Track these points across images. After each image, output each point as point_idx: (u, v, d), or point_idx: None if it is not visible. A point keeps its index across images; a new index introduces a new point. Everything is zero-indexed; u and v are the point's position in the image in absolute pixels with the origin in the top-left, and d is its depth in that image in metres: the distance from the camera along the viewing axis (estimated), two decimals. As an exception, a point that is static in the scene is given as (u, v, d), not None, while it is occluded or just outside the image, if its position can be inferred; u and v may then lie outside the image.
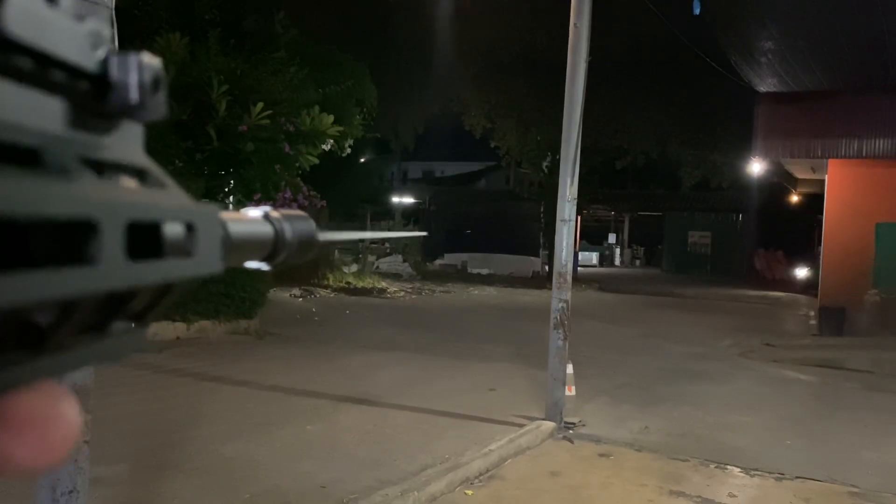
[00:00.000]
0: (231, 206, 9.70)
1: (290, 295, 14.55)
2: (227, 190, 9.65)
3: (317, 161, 10.01)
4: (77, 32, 0.24)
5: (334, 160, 12.36)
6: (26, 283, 0.20)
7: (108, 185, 0.25)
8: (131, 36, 8.34)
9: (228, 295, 9.29)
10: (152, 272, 0.25)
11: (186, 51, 8.66)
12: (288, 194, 10.50)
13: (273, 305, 11.40)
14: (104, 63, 0.25)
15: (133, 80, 0.26)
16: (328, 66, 11.09)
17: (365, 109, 11.83)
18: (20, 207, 0.20)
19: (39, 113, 0.23)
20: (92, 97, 0.25)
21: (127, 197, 0.25)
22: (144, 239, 0.25)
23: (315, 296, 15.07)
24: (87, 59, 0.25)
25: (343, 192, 19.10)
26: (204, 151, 9.03)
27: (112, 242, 0.23)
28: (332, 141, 10.26)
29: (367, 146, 21.10)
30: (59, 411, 0.26)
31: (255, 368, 7.58)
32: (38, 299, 0.21)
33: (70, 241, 0.22)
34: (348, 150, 11.70)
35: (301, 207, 11.58)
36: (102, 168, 0.25)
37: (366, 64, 12.09)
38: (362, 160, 22.37)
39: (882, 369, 9.06)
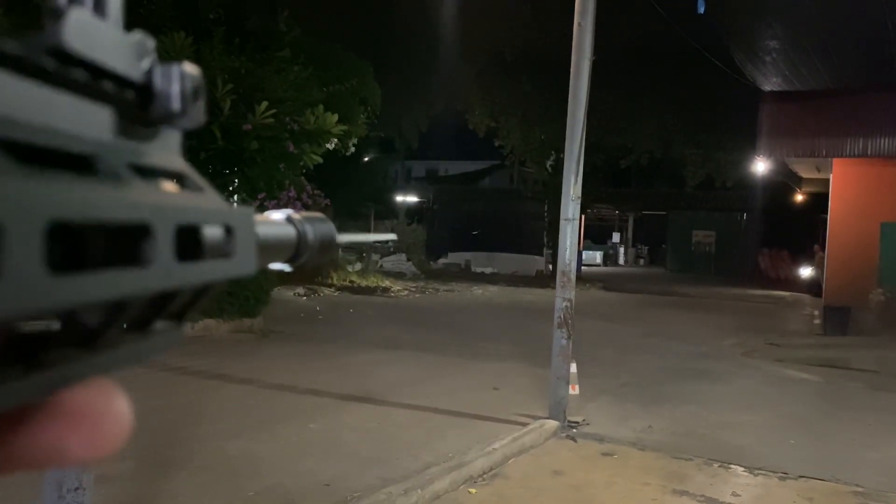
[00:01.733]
0: (235, 204, 9.72)
1: (294, 293, 14.58)
2: (231, 189, 9.67)
3: (321, 160, 10.02)
4: (125, 44, 0.26)
5: (338, 159, 12.37)
6: (86, 284, 0.21)
7: (157, 190, 0.26)
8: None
9: (233, 293, 9.31)
10: (196, 273, 0.26)
11: (191, 50, 8.67)
12: (292, 193, 10.53)
13: (277, 304, 11.42)
14: (149, 73, 0.27)
15: (176, 89, 0.27)
16: (332, 65, 11.11)
17: (369, 108, 11.83)
18: (84, 213, 0.21)
19: (92, 122, 0.24)
20: (137, 106, 0.27)
21: (175, 201, 0.26)
22: (188, 241, 0.26)
23: (319, 294, 15.09)
24: (134, 70, 0.26)
25: (347, 191, 19.12)
26: (208, 150, 9.04)
27: (164, 245, 0.24)
28: (335, 140, 10.27)
29: (370, 145, 21.12)
30: (111, 406, 0.27)
31: (259, 366, 7.59)
32: (97, 299, 0.22)
33: (125, 243, 0.23)
34: (352, 149, 11.72)
35: (305, 206, 11.61)
36: (146, 173, 0.26)
37: (369, 62, 12.10)
38: (366, 159, 22.38)
39: (887, 369, 9.04)
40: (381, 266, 21.47)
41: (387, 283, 18.09)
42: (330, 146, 10.33)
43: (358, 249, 22.08)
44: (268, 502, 4.06)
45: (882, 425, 6.57)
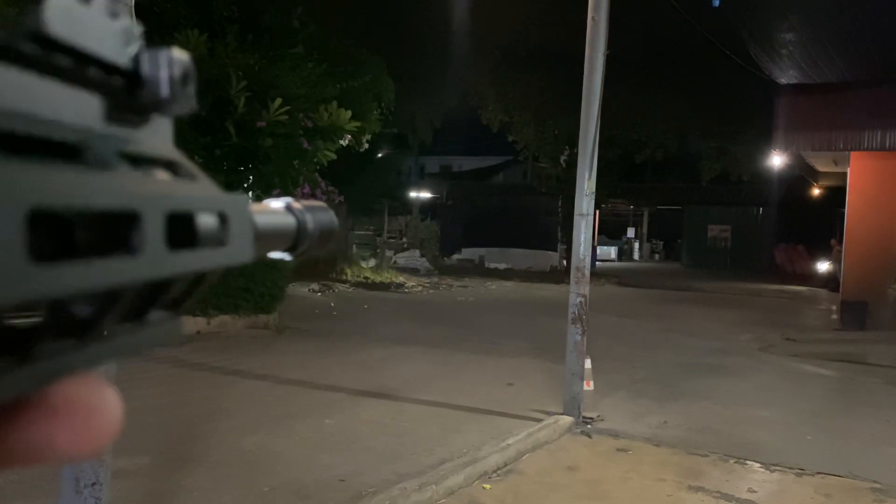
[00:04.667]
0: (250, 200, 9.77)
1: (309, 290, 14.63)
2: (245, 185, 9.71)
3: (335, 156, 10.05)
4: (111, 29, 0.25)
5: (352, 155, 12.40)
6: (74, 274, 0.21)
7: (146, 178, 0.26)
8: (150, 33, 8.37)
9: (248, 290, 9.36)
10: (189, 261, 0.26)
11: (205, 47, 8.72)
12: (306, 189, 10.55)
13: (292, 300, 11.47)
14: (136, 59, 0.26)
15: (164, 75, 0.27)
16: (346, 62, 11.12)
17: (382, 104, 11.84)
18: (68, 200, 0.21)
19: (79, 109, 0.24)
20: (125, 92, 0.26)
21: (165, 188, 0.26)
22: (181, 229, 0.25)
23: (333, 290, 15.13)
24: (121, 56, 0.26)
25: (361, 187, 19.15)
26: (223, 147, 9.09)
27: (153, 233, 0.24)
28: (349, 136, 10.29)
29: (384, 141, 21.13)
30: (100, 400, 0.26)
31: (274, 362, 7.63)
32: (86, 289, 0.21)
33: (113, 232, 0.23)
34: (366, 145, 11.74)
35: (319, 202, 11.64)
36: (136, 161, 0.26)
37: (383, 58, 12.10)
38: (380, 155, 22.40)
39: (905, 364, 8.95)
40: (395, 262, 21.50)
41: (401, 278, 18.11)
42: (344, 142, 10.36)
43: (372, 245, 22.13)
44: (283, 497, 4.08)
45: (901, 421, 6.51)
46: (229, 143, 9.00)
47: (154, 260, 0.24)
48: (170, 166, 0.28)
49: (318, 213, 0.39)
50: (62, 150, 0.22)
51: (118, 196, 0.22)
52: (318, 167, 10.32)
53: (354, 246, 20.21)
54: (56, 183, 0.20)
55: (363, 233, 23.48)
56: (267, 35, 9.84)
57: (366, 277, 17.38)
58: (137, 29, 0.26)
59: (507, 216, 26.93)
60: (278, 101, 8.85)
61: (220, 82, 8.64)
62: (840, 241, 15.36)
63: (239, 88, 8.72)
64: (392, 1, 16.59)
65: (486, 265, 23.80)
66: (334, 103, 9.66)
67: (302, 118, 9.39)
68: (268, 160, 9.30)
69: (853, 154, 13.24)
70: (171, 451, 4.68)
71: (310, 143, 9.53)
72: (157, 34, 8.50)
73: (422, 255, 22.87)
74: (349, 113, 9.70)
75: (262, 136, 8.98)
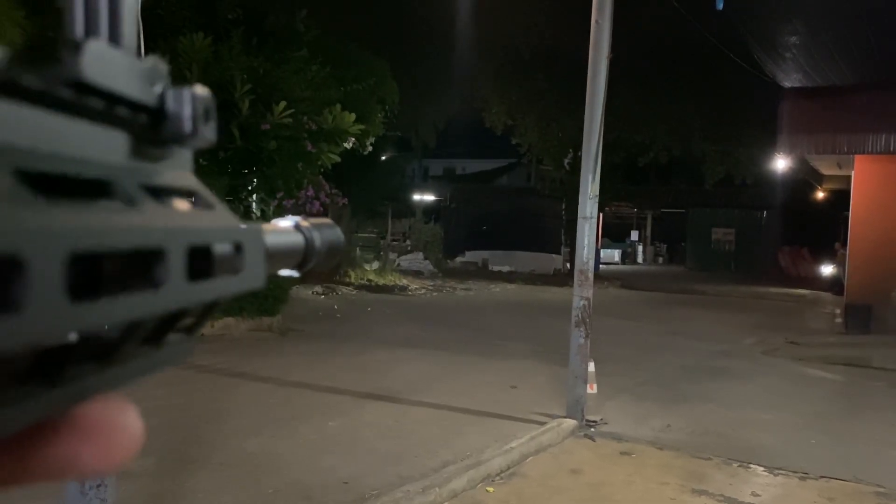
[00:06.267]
0: (254, 203, 9.80)
1: (313, 292, 14.64)
2: (250, 188, 9.73)
3: (338, 159, 10.06)
4: (138, 70, 0.27)
5: (356, 158, 12.41)
6: (103, 309, 0.22)
7: (170, 212, 0.27)
8: (155, 36, 8.43)
9: (252, 292, 9.36)
10: (206, 291, 0.27)
11: (209, 50, 8.74)
12: (310, 192, 10.57)
13: (295, 303, 11.48)
14: (162, 97, 0.28)
15: (187, 112, 0.28)
16: (350, 64, 11.14)
17: (386, 107, 11.86)
18: (102, 242, 0.22)
19: (108, 146, 0.25)
20: (150, 128, 0.28)
21: (186, 222, 0.27)
22: (199, 259, 0.27)
23: (337, 293, 15.14)
24: (147, 95, 0.27)
25: (365, 190, 19.15)
26: (227, 150, 9.11)
27: (176, 266, 0.25)
28: (353, 139, 10.30)
29: (388, 144, 21.12)
30: (122, 419, 0.28)
31: (278, 365, 7.64)
32: (114, 322, 0.23)
33: (139, 266, 0.24)
34: (370, 148, 11.76)
35: (323, 205, 11.65)
36: (159, 193, 0.27)
37: (387, 61, 12.12)
38: (384, 158, 22.40)
39: (909, 368, 8.92)
40: (399, 265, 21.50)
41: (404, 281, 18.12)
42: (348, 145, 10.37)
43: (375, 248, 22.14)
44: (287, 499, 4.09)
45: (905, 425, 6.49)
46: (234, 146, 9.02)
47: (175, 292, 0.25)
48: (189, 196, 0.29)
49: (324, 230, 0.41)
50: (92, 186, 0.24)
51: (146, 234, 0.24)
52: (321, 170, 10.33)
53: (358, 248, 20.22)
54: (91, 226, 0.22)
55: (367, 235, 23.49)
56: (271, 38, 9.86)
57: (369, 280, 17.39)
58: (163, 67, 0.28)
59: (510, 219, 26.90)
60: (282, 103, 8.87)
61: (225, 85, 8.66)
62: (844, 245, 15.34)
63: (243, 91, 8.74)
64: (396, 4, 16.62)
65: (490, 268, 23.79)
66: (338, 106, 9.67)
67: (306, 121, 9.40)
68: (272, 163, 9.32)
69: (857, 157, 13.21)
70: (174, 452, 4.69)
71: (314, 145, 9.55)
72: (161, 37, 8.53)
73: (425, 258, 22.87)
74: (353, 116, 9.71)
75: (266, 138, 9.00)
